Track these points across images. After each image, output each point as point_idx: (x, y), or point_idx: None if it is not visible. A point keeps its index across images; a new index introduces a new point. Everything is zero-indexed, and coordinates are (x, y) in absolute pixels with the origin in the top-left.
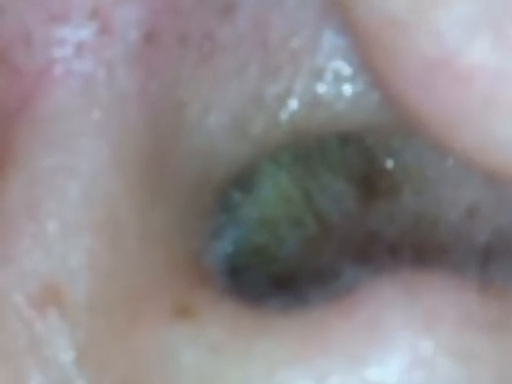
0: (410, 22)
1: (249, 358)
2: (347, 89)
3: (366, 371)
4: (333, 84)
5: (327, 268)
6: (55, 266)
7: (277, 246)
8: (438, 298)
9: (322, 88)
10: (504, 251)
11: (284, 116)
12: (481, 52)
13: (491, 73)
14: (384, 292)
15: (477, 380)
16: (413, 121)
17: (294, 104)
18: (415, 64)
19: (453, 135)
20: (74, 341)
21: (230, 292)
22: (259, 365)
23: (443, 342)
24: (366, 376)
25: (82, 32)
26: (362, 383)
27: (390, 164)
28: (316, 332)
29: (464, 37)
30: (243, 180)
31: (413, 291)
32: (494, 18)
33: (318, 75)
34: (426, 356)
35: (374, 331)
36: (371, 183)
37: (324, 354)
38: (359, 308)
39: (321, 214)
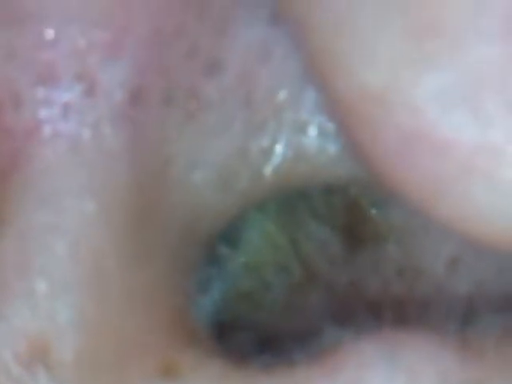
0: (387, 96)
1: None
2: (331, 143)
3: None
4: (317, 138)
5: (310, 325)
6: (43, 324)
7: (263, 292)
8: (418, 358)
9: (305, 141)
10: (485, 305)
11: (268, 169)
12: (457, 124)
13: (468, 145)
14: (366, 351)
15: None
16: (391, 186)
17: (278, 157)
18: (393, 136)
19: (431, 204)
20: None
21: (215, 351)
22: None
23: None
24: None
25: (68, 94)
26: None
27: (373, 213)
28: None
29: (441, 110)
30: (230, 230)
31: (394, 351)
32: (469, 91)
33: (302, 129)
34: None
35: None
36: (355, 232)
37: None
38: (342, 368)
39: (306, 261)
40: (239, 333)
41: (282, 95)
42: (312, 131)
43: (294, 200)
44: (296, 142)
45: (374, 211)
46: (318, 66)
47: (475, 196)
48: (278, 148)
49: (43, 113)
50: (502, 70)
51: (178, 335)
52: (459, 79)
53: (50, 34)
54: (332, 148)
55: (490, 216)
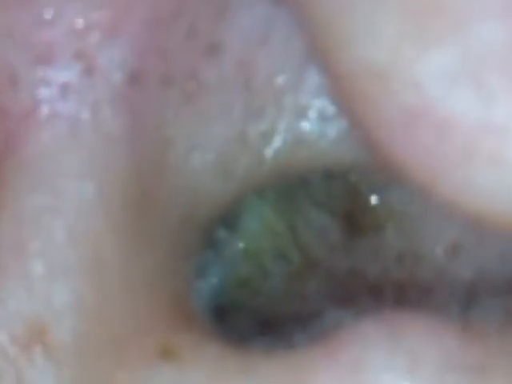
0: (391, 72)
1: None
2: (331, 127)
3: None
4: (317, 122)
5: (310, 307)
6: (40, 306)
7: (261, 279)
8: (419, 340)
9: (305, 126)
10: (486, 290)
11: (268, 154)
12: (461, 102)
13: (471, 123)
14: (366, 333)
15: None
16: (394, 166)
17: (277, 142)
18: (396, 113)
19: (433, 181)
20: (58, 381)
21: (214, 334)
22: None
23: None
24: None
25: (67, 73)
26: None
27: (373, 200)
28: (300, 375)
29: (444, 87)
30: (228, 216)
31: (395, 333)
32: (474, 68)
33: (302, 113)
34: None
35: (358, 374)
36: (355, 219)
37: None
38: (342, 350)
39: (305, 248)
40: (238, 316)
41: (283, 79)
42: (312, 116)
43: (294, 186)
44: (296, 126)
45: (373, 198)
46: (320, 44)
47: (478, 175)
48: (278, 133)
49: (41, 92)
50: (506, 48)
51: (177, 319)
52: (462, 57)
53: (48, 13)
54: (332, 133)
55: (493, 196)
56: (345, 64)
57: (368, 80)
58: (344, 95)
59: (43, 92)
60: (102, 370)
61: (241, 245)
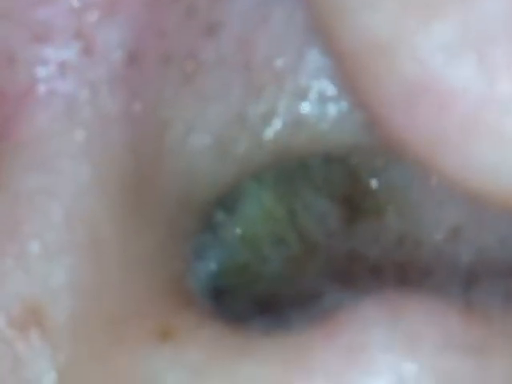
0: (392, 46)
1: (231, 381)
2: (331, 109)
3: None
4: (317, 104)
5: (310, 289)
6: (36, 287)
7: (260, 264)
8: (420, 320)
9: (305, 108)
10: (487, 272)
11: (267, 136)
12: (463, 76)
13: (473, 97)
14: (366, 313)
15: None
16: (395, 143)
17: (277, 124)
18: (397, 87)
19: (434, 158)
20: (55, 362)
21: (212, 314)
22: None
23: (426, 364)
24: None
25: (65, 52)
26: None
27: (373, 184)
28: (298, 354)
29: (445, 61)
30: (226, 199)
31: (395, 312)
32: (476, 42)
33: (302, 95)
34: (409, 378)
35: (357, 354)
36: (355, 203)
37: (307, 376)
38: (342, 330)
39: (304, 233)
40: (236, 298)
41: (283, 59)
42: (312, 97)
43: (293, 169)
44: (296, 108)
45: (374, 181)
46: (321, 20)
47: (480, 150)
48: (278, 114)
49: (39, 71)
50: (508, 21)
51: (175, 299)
52: (464, 29)
53: None
54: (332, 114)
55: (496, 171)
56: (346, 40)
57: (369, 55)
58: (345, 73)
59: (41, 71)
60: (99, 351)
61: (239, 228)
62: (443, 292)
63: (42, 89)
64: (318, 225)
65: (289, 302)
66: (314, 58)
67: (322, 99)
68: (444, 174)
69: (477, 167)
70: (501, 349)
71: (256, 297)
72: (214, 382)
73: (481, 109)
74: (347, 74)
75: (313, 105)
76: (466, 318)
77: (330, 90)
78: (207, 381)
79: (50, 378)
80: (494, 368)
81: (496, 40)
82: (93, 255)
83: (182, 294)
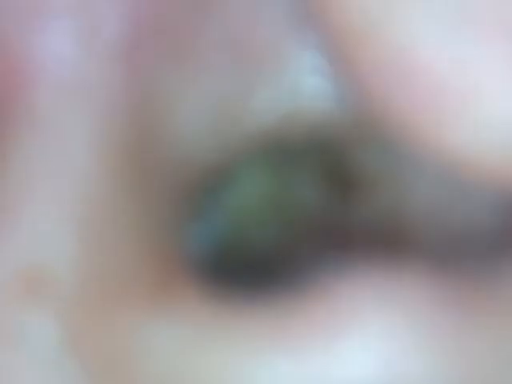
0: (382, 31)
1: (230, 343)
2: (323, 101)
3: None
4: (309, 95)
5: (301, 262)
6: (33, 255)
7: (250, 248)
8: (412, 293)
9: (298, 98)
10: (475, 244)
11: (258, 126)
12: (437, 42)
13: (446, 63)
14: (357, 280)
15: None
16: (388, 126)
17: (268, 114)
18: (391, 71)
19: (428, 140)
20: (56, 330)
21: (209, 279)
22: (241, 349)
23: (414, 319)
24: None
25: (66, 27)
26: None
27: (361, 161)
28: (298, 312)
29: (422, 28)
30: (218, 182)
31: (386, 277)
32: (468, 24)
33: (294, 86)
34: (401, 333)
35: (347, 317)
36: (342, 181)
37: (305, 335)
38: (332, 295)
39: (299, 204)
40: (233, 261)
41: (276, 49)
42: (305, 88)
43: (283, 157)
44: (288, 98)
45: (361, 158)
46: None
47: (450, 128)
48: (269, 104)
49: (37, 54)
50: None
51: (171, 266)
52: (456, 13)
53: None
54: (324, 104)
55: (484, 151)
56: (339, 22)
57: (362, 37)
58: (338, 55)
59: (41, 45)
60: (97, 319)
61: (235, 200)
62: (435, 258)
63: (41, 63)
64: (307, 211)
65: (279, 274)
66: (308, 53)
67: (315, 90)
68: (435, 154)
69: (469, 147)
70: (488, 309)
71: (253, 265)
72: (213, 345)
73: (452, 75)
74: (339, 59)
75: (306, 95)
76: (454, 279)
77: (323, 84)
78: (206, 344)
79: (54, 342)
80: (480, 327)
81: (489, 20)
82: (83, 223)
83: (179, 259)
